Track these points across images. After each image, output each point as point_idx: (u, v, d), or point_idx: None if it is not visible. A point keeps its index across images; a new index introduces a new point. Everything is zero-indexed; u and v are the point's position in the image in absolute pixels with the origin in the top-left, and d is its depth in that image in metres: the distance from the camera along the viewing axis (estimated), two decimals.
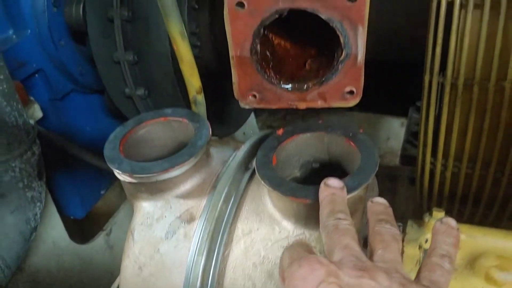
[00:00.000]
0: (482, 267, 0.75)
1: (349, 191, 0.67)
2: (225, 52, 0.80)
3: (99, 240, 1.68)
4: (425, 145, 1.03)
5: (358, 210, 0.73)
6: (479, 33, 0.87)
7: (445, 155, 1.02)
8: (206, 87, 1.05)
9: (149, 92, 1.24)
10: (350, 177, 0.69)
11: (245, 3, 0.72)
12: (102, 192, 1.71)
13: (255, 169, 0.74)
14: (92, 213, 1.70)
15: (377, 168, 0.70)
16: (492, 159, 0.98)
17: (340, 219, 0.62)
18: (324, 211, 0.64)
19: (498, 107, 0.91)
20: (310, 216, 0.70)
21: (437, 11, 0.89)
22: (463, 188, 1.05)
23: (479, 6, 0.87)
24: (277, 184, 0.70)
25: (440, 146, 1.00)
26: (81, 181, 1.59)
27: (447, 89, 0.92)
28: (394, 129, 2.35)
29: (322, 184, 0.66)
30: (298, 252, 0.60)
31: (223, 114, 1.52)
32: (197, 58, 1.04)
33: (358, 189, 0.68)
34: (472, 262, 0.77)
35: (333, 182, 0.66)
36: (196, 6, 1.30)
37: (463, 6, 0.88)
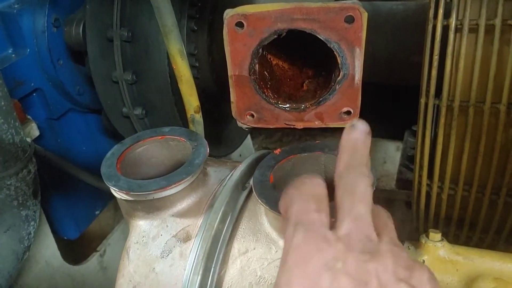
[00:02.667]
0: None
1: None
2: (223, 73, 0.81)
3: (93, 261, 1.66)
4: (421, 167, 1.03)
5: None
6: (474, 57, 0.89)
7: (441, 178, 1.02)
8: (204, 108, 1.06)
9: (146, 112, 1.25)
10: None
11: (245, 23, 0.74)
12: (96, 212, 1.70)
13: (252, 188, 0.74)
14: (86, 234, 1.69)
15: (373, 189, 0.70)
16: (488, 182, 0.98)
17: (360, 176, 0.54)
18: (344, 158, 0.56)
19: (494, 129, 0.92)
20: None
21: (433, 35, 0.91)
22: (460, 210, 1.05)
23: (474, 30, 0.89)
24: (274, 203, 0.70)
25: (436, 168, 1.01)
26: (75, 202, 1.58)
27: (443, 111, 0.93)
28: (390, 153, 2.37)
29: (347, 126, 0.57)
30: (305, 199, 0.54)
31: (220, 135, 1.52)
32: (195, 79, 1.05)
33: None
34: (470, 285, 0.76)
35: (361, 125, 0.57)
36: (195, 28, 1.32)
37: (458, 30, 0.90)
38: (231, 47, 0.76)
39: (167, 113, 1.16)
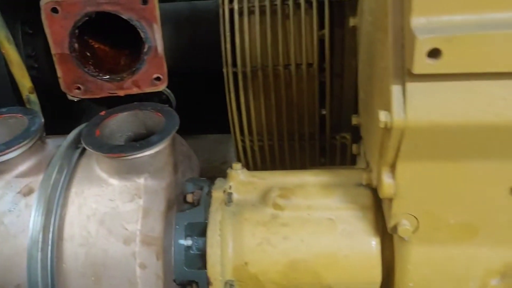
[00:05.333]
0: (270, 198, 0.99)
1: (153, 144, 0.87)
2: None
3: None
4: (234, 126, 1.28)
5: (168, 164, 0.93)
6: (255, 31, 1.16)
7: (251, 133, 1.28)
8: (47, 106, 1.19)
9: None
10: (155, 135, 0.89)
11: (59, 8, 0.91)
12: None
13: (81, 140, 0.91)
14: None
15: (177, 127, 0.91)
16: (283, 131, 1.26)
17: None
18: None
19: (279, 87, 1.20)
20: (130, 169, 0.88)
21: (224, 17, 1.16)
22: (270, 157, 1.32)
23: (252, 12, 1.16)
24: (99, 146, 0.88)
25: (244, 125, 1.26)
26: None
27: (240, 76, 1.19)
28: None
29: None
30: None
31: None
32: (35, 79, 1.18)
33: (161, 142, 0.88)
34: (264, 197, 1.01)
35: None
36: (30, 31, 1.44)
37: (241, 13, 1.16)
38: (50, 29, 0.92)
39: (5, 96, 1.27)
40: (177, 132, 1.10)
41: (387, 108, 0.75)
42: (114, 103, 1.00)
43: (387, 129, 0.75)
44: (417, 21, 0.68)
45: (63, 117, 1.62)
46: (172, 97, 1.78)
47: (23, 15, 1.41)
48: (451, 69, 0.68)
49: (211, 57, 1.49)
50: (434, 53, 0.67)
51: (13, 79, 1.12)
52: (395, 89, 0.74)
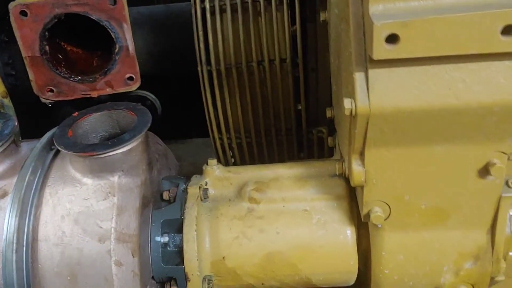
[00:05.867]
0: (245, 192, 1.00)
1: (125, 142, 0.87)
2: None
3: None
4: (211, 124, 1.29)
5: (142, 162, 0.94)
6: (227, 29, 1.17)
7: (228, 130, 1.29)
8: (26, 113, 1.19)
9: None
10: (127, 133, 0.90)
11: (28, 11, 0.91)
12: None
13: (54, 141, 0.91)
14: None
15: (149, 125, 0.92)
16: (260, 127, 1.27)
17: None
18: None
19: (253, 83, 1.21)
20: (103, 168, 0.89)
21: (196, 16, 1.17)
22: (248, 154, 1.32)
23: (224, 10, 1.17)
24: (71, 146, 0.88)
25: (221, 123, 1.27)
26: None
27: (214, 74, 1.19)
28: None
29: None
30: None
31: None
32: (14, 86, 1.18)
33: (133, 139, 0.88)
34: (239, 191, 1.02)
35: None
36: (6, 39, 1.44)
37: (213, 12, 1.17)
38: (20, 32, 0.93)
39: None
40: (163, 137, 1.11)
41: (352, 95, 0.76)
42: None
43: (353, 116, 0.77)
44: (374, 8, 0.70)
45: (43, 124, 1.62)
46: (157, 103, 1.79)
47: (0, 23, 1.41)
48: (409, 54, 0.70)
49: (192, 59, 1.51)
50: (392, 39, 0.68)
51: None
52: (358, 77, 0.75)
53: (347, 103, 0.75)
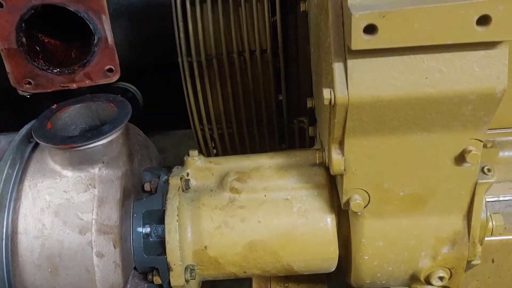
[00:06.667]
0: (227, 182, 1.00)
1: (105, 134, 0.87)
2: None
3: None
4: (192, 115, 1.29)
5: (122, 154, 0.93)
6: (207, 20, 1.17)
7: (209, 121, 1.29)
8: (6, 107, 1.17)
9: None
10: (106, 125, 0.89)
11: (3, 3, 0.90)
12: None
13: (32, 133, 0.90)
14: None
15: (129, 116, 0.92)
16: (242, 118, 1.27)
17: None
18: None
19: (234, 74, 1.21)
20: (83, 160, 0.88)
21: (176, 6, 1.17)
22: (230, 144, 1.33)
23: (204, 1, 1.17)
24: (50, 138, 0.87)
25: (202, 114, 1.27)
26: None
27: (194, 65, 1.19)
28: None
29: None
30: None
31: None
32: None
33: (113, 131, 0.88)
34: (221, 182, 1.02)
35: None
36: None
37: (193, 2, 1.17)
38: None
39: None
40: (145, 129, 1.11)
41: (331, 85, 0.77)
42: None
43: (332, 106, 0.78)
44: None
45: (25, 118, 1.59)
46: (139, 95, 1.78)
47: None
48: (387, 44, 0.71)
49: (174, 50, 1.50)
50: (370, 29, 0.69)
51: None
52: (337, 67, 0.76)
53: (326, 93, 0.76)
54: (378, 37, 0.70)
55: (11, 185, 0.89)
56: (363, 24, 0.69)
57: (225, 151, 1.35)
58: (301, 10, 1.10)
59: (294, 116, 1.31)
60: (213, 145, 1.36)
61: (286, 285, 1.11)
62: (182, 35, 1.18)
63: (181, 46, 1.19)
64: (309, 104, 1.13)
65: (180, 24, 1.17)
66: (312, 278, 1.11)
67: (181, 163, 1.06)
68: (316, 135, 1.16)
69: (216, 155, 1.37)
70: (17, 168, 0.91)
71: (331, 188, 0.99)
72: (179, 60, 1.21)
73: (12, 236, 0.86)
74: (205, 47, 1.18)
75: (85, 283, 0.86)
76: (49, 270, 0.85)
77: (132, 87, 1.73)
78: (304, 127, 1.31)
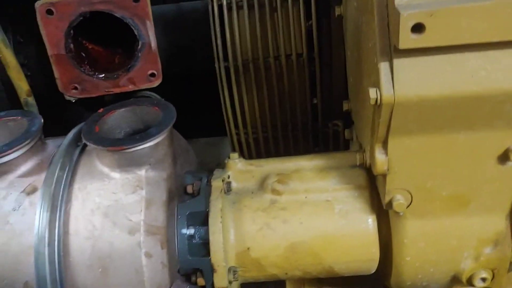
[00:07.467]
0: (268, 184, 1.02)
1: (153, 136, 0.89)
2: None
3: None
4: (228, 120, 1.31)
5: (167, 156, 0.96)
6: (244, 26, 1.19)
7: (245, 126, 1.31)
8: (40, 113, 1.19)
9: None
10: (153, 128, 0.92)
11: (54, 10, 0.93)
12: None
13: (82, 137, 0.93)
14: None
15: (174, 118, 0.94)
16: (277, 122, 1.29)
17: None
18: None
19: (270, 79, 1.23)
20: (131, 162, 0.91)
21: (213, 13, 1.19)
22: (265, 148, 1.34)
23: (241, 7, 1.19)
24: (100, 141, 0.90)
25: (238, 119, 1.29)
26: None
27: (232, 70, 1.22)
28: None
29: None
30: None
31: None
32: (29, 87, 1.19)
33: (160, 133, 0.90)
34: (262, 184, 1.04)
35: None
36: (22, 40, 1.45)
37: (230, 8, 1.19)
38: (46, 31, 0.95)
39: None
40: None
41: (377, 85, 0.78)
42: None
43: (377, 106, 0.79)
44: None
45: (54, 126, 1.63)
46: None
47: (14, 24, 1.43)
48: (435, 43, 0.72)
49: (196, 58, 1.52)
50: (418, 28, 0.70)
51: (7, 85, 1.14)
52: (383, 66, 0.77)
53: (372, 92, 0.77)
54: (425, 35, 0.71)
55: (62, 187, 0.92)
56: (411, 23, 0.70)
57: (259, 155, 1.37)
58: (336, 14, 1.12)
59: (328, 120, 1.32)
60: (247, 149, 1.37)
61: None
62: (219, 41, 1.20)
63: (218, 51, 1.21)
64: (345, 107, 1.14)
65: (217, 30, 1.19)
66: (347, 281, 1.11)
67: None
68: (353, 137, 1.17)
69: (251, 159, 1.38)
70: (66, 170, 0.94)
71: (371, 189, 0.99)
72: (216, 65, 1.23)
73: (64, 237, 0.88)
74: (241, 52, 1.21)
75: (134, 283, 0.88)
76: (100, 270, 0.87)
77: (155, 96, 1.76)
78: (338, 130, 1.32)
